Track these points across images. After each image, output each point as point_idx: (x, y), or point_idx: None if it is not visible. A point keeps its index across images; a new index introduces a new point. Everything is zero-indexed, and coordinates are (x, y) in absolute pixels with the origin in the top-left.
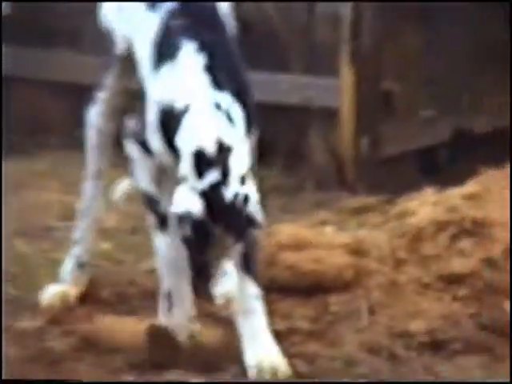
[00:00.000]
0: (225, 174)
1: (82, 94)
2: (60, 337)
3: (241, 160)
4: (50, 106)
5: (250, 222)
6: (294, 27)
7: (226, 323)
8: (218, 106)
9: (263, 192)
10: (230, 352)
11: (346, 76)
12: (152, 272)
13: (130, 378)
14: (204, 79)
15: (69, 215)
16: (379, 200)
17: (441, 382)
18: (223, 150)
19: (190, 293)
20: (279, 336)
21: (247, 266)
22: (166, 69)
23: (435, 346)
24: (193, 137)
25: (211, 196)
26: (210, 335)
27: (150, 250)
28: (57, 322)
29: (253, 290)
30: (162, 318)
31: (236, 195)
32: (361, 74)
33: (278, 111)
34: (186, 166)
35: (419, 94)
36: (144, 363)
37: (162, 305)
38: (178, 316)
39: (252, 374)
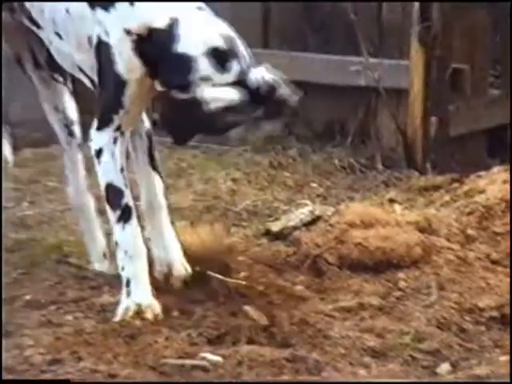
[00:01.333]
0: (243, 63)
1: None
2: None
3: (245, 48)
4: None
5: (284, 101)
6: (364, 9)
7: None
8: (200, 8)
9: (332, 171)
10: None
11: (416, 57)
12: None
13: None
14: None
15: None
16: (447, 179)
17: (441, 381)
18: (231, 42)
19: (147, 276)
20: (350, 311)
21: (153, 160)
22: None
23: (504, 320)
24: (199, 39)
25: (245, 83)
26: None
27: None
28: None
29: (161, 185)
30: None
31: (263, 78)
32: (430, 54)
33: (347, 92)
34: (204, 68)
35: (487, 74)
36: None
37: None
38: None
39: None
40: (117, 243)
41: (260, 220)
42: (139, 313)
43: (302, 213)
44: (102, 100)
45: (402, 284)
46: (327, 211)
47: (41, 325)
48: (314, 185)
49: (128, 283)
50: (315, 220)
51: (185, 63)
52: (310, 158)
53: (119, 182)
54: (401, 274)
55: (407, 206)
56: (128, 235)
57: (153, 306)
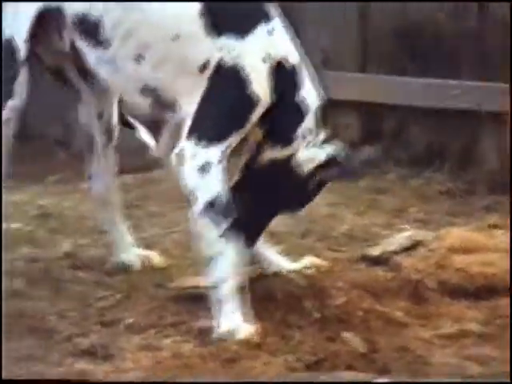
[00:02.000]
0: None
1: None
2: None
3: None
4: None
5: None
6: (464, 31)
7: None
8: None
9: (432, 195)
10: None
11: None
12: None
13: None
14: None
15: None
16: None
17: (440, 381)
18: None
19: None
20: (450, 338)
21: None
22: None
23: None
24: (315, 91)
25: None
26: None
27: (319, 253)
28: None
29: None
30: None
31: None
32: None
33: (447, 116)
34: (310, 124)
35: None
36: None
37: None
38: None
39: None
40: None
41: (358, 245)
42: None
43: (402, 238)
44: (214, 117)
45: (503, 311)
46: (427, 236)
47: (141, 348)
48: (413, 209)
49: (232, 301)
50: (415, 245)
51: (300, 112)
52: (409, 182)
53: (225, 197)
54: (503, 301)
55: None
56: (233, 251)
57: (248, 330)
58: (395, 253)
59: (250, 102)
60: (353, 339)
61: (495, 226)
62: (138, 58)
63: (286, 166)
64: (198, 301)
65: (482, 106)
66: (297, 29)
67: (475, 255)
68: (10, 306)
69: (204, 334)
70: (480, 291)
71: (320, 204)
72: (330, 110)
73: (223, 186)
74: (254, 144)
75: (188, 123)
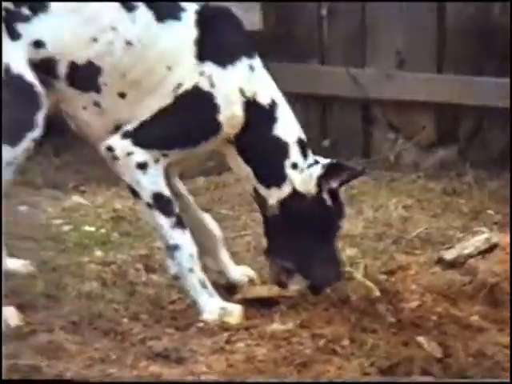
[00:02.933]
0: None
1: (327, 106)
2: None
3: None
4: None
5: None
6: None
7: None
8: None
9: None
10: None
11: None
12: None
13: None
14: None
15: None
16: None
17: (437, 381)
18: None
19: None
20: None
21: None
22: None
23: None
24: (293, 126)
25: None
26: None
27: (391, 255)
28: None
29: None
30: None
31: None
32: None
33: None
34: (295, 155)
35: None
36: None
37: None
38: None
39: None
40: (178, 247)
41: (433, 248)
42: (224, 316)
43: (478, 240)
44: (163, 129)
45: None
46: (504, 239)
47: (214, 351)
48: (491, 212)
49: (204, 285)
50: (492, 248)
51: (281, 149)
52: (486, 184)
53: (167, 191)
54: None
55: None
56: (188, 239)
57: (237, 311)
58: (471, 256)
59: (211, 129)
60: (428, 344)
61: None
62: (122, 96)
63: (294, 200)
64: (272, 304)
65: None
66: (373, 28)
67: None
68: (84, 309)
69: (277, 338)
70: None
71: (395, 207)
72: (406, 110)
73: (164, 183)
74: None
75: (128, 125)
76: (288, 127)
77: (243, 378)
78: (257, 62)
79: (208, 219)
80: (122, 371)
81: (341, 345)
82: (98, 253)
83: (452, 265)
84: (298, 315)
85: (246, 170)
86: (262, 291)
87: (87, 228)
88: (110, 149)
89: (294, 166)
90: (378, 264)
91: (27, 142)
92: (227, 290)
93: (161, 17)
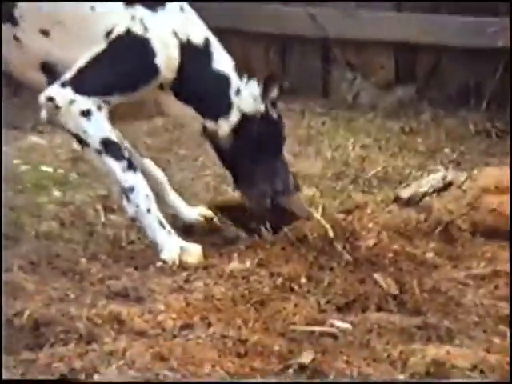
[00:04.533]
0: None
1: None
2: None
3: None
4: (257, 56)
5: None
6: None
7: None
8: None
9: (467, 135)
10: None
11: None
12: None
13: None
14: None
15: None
16: None
17: (438, 381)
18: None
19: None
20: (484, 279)
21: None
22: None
23: None
24: (225, 57)
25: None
26: None
27: (349, 194)
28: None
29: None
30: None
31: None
32: None
33: (484, 54)
34: (236, 81)
35: None
36: None
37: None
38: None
39: None
40: (133, 189)
41: (390, 187)
42: (183, 255)
43: (434, 179)
44: (101, 74)
45: None
46: (460, 177)
47: (172, 291)
48: (447, 150)
49: (162, 225)
50: (447, 186)
51: (221, 82)
52: (444, 122)
53: (114, 136)
54: None
55: None
56: (142, 180)
57: (196, 250)
58: (427, 194)
59: (149, 73)
60: (383, 281)
61: None
62: (44, 33)
63: (246, 123)
64: (230, 244)
65: None
66: None
67: (508, 196)
68: (42, 249)
69: (236, 277)
70: None
71: (353, 146)
72: (364, 50)
73: (110, 128)
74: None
75: (66, 74)
76: (223, 59)
77: (201, 315)
78: (185, 3)
79: (150, 164)
80: (80, 310)
81: (298, 283)
82: (57, 193)
83: (408, 203)
84: (256, 254)
85: (189, 111)
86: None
87: (45, 168)
88: (50, 99)
89: (238, 91)
90: (336, 203)
91: None
92: (184, 231)
93: None
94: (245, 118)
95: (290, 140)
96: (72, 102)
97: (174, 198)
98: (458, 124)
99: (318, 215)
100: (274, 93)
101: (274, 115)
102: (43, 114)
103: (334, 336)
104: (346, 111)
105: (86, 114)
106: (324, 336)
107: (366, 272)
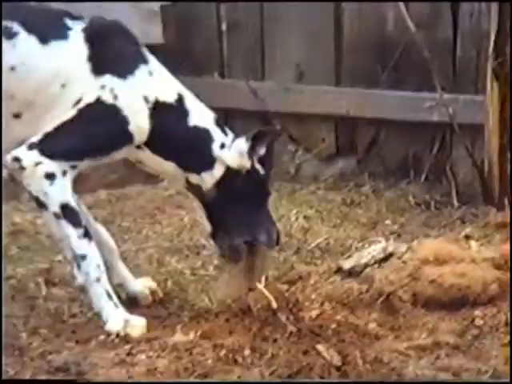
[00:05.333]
0: None
1: (228, 119)
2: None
3: None
4: None
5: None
6: (437, 44)
7: None
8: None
9: (406, 207)
10: None
11: (491, 92)
12: None
13: None
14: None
15: None
16: None
17: (441, 381)
18: None
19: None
20: (425, 350)
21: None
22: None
23: None
24: (206, 112)
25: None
26: None
27: (292, 265)
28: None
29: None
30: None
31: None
32: (505, 89)
33: (422, 128)
34: (219, 136)
35: None
36: None
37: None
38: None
39: None
40: (85, 257)
41: (333, 257)
42: (127, 328)
43: (375, 250)
44: (70, 140)
45: (478, 322)
46: (400, 248)
47: (115, 364)
48: (388, 222)
49: (110, 296)
50: (388, 257)
51: (203, 133)
52: (384, 194)
53: (74, 203)
54: (477, 312)
55: (483, 243)
56: (95, 250)
57: (140, 323)
58: (368, 265)
59: (123, 139)
60: (326, 352)
61: (469, 237)
62: (17, 116)
63: (230, 178)
64: (174, 316)
65: (456, 118)
66: (272, 42)
67: (449, 266)
68: None
69: (179, 350)
70: (454, 303)
71: (295, 218)
72: (305, 122)
73: (72, 194)
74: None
75: (34, 137)
76: (202, 114)
77: None
78: (153, 64)
79: (103, 232)
80: None
81: (242, 355)
82: None
83: (350, 274)
84: (200, 326)
85: (170, 166)
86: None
87: None
88: (16, 159)
89: (222, 145)
90: (279, 274)
91: None
92: (129, 302)
93: (44, 39)
94: (229, 172)
95: None
96: (38, 163)
97: (121, 267)
98: (398, 196)
99: (261, 286)
100: (263, 150)
101: (261, 171)
102: (4, 173)
103: None
104: (288, 183)
105: (50, 177)
106: None
107: (309, 343)
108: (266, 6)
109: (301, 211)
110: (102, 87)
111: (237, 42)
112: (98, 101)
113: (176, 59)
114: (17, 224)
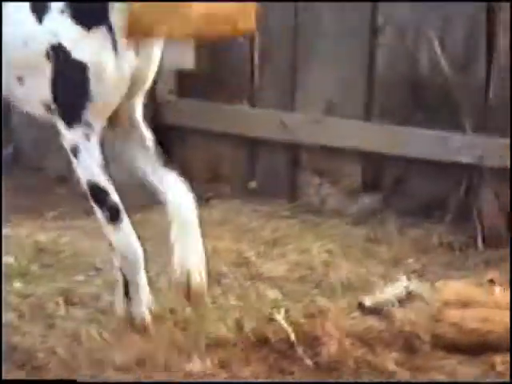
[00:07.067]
0: None
1: (253, 147)
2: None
3: None
4: (225, 156)
5: None
6: (470, 85)
7: None
8: None
9: (430, 247)
10: None
11: None
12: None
13: None
14: None
15: (239, 262)
16: None
17: (441, 381)
18: None
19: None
20: None
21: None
22: None
23: None
24: None
25: None
26: None
27: (312, 299)
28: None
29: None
30: (118, 310)
31: None
32: None
33: (449, 168)
34: None
35: None
36: None
37: (118, 297)
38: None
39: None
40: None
41: (353, 293)
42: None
43: (397, 288)
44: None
45: (499, 367)
46: (422, 288)
47: None
48: (411, 260)
49: (127, 287)
50: (410, 296)
51: None
52: (408, 233)
53: (102, 179)
54: (498, 358)
55: (507, 287)
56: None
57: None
58: (389, 303)
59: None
60: None
61: (493, 282)
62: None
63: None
64: (191, 344)
65: (483, 160)
66: (304, 74)
67: (471, 310)
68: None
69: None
70: (475, 347)
71: (317, 251)
72: (332, 156)
73: (95, 166)
74: None
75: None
76: None
77: None
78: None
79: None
80: None
81: None
82: (17, 284)
83: (371, 311)
84: (216, 355)
85: None
86: None
87: (7, 259)
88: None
89: None
90: (299, 307)
91: None
92: None
93: None
94: None
95: (255, 242)
96: (64, 139)
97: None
98: (422, 235)
99: (280, 318)
100: None
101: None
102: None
103: None
104: (312, 216)
105: (75, 151)
106: None
107: (326, 378)
108: (300, 38)
109: (324, 245)
110: (50, 32)
111: (268, 71)
112: (59, 47)
113: (207, 86)
114: (40, 242)
